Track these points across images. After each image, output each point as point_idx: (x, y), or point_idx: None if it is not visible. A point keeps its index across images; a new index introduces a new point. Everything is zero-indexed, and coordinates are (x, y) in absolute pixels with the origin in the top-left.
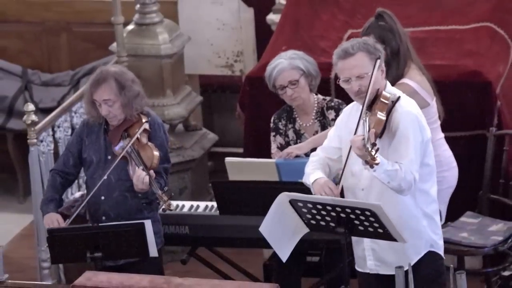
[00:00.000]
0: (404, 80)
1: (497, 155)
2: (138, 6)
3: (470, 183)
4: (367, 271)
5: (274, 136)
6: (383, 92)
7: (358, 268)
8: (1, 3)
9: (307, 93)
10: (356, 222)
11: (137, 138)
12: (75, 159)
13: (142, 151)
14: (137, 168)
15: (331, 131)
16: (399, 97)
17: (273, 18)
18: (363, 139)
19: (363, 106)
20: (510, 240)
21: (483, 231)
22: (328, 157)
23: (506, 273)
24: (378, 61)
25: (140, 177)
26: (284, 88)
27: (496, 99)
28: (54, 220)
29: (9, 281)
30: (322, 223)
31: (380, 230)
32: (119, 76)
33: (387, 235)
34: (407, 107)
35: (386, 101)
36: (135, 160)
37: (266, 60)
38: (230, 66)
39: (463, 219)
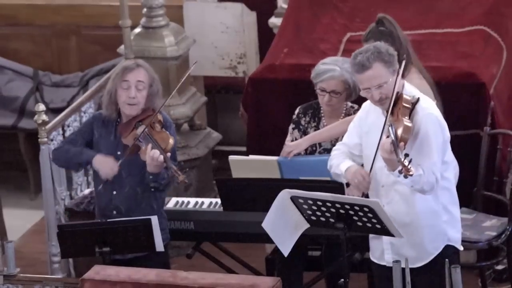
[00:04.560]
0: None
1: (491, 154)
2: (145, 10)
3: (465, 180)
4: (384, 263)
5: (293, 129)
6: (404, 96)
7: (374, 259)
8: (12, 7)
9: (341, 103)
10: (355, 218)
11: (152, 127)
12: (82, 144)
13: (157, 135)
14: (151, 149)
15: (351, 127)
16: (418, 98)
17: (275, 21)
18: (392, 143)
19: (387, 113)
20: (503, 235)
21: (477, 226)
22: (351, 152)
23: (499, 267)
24: (399, 69)
25: (154, 156)
26: (324, 91)
27: (490, 99)
28: (109, 162)
29: (21, 274)
30: (322, 219)
31: (378, 226)
32: (150, 69)
33: (385, 231)
34: (427, 108)
35: (408, 105)
36: (151, 142)
37: (268, 62)
38: (234, 67)
39: None
